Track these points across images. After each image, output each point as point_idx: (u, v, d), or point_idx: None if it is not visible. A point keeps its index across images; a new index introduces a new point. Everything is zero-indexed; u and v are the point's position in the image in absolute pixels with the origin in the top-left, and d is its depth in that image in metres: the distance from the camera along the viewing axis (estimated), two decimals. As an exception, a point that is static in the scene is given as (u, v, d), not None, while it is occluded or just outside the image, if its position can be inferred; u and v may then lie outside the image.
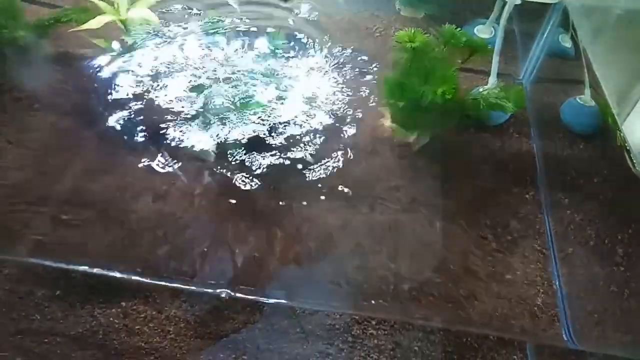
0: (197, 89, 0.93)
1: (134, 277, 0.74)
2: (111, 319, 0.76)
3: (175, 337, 0.75)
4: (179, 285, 0.73)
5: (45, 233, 0.77)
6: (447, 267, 0.81)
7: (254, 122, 0.92)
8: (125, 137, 0.91)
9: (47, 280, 0.78)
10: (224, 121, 0.91)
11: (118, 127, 0.93)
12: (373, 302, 0.76)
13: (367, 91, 1.03)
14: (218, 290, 0.72)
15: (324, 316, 0.79)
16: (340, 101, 1.01)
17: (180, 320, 0.76)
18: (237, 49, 1.00)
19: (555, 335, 0.71)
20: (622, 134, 0.80)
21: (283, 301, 0.74)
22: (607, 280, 0.76)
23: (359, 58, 1.11)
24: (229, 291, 0.72)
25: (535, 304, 0.74)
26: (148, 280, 0.74)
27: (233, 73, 0.93)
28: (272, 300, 0.73)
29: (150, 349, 0.74)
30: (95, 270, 0.75)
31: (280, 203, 0.85)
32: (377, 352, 0.77)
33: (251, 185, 0.87)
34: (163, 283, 0.73)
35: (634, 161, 0.78)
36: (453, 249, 0.83)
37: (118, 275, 0.75)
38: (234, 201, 0.85)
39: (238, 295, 0.72)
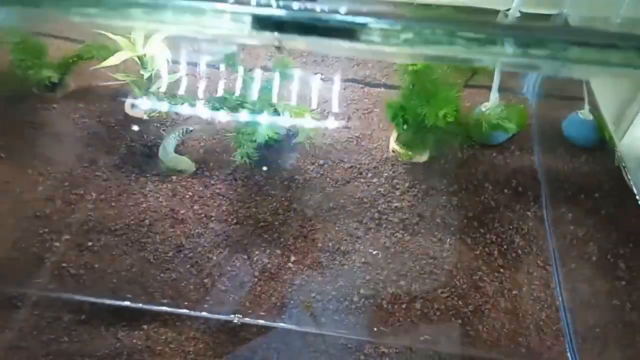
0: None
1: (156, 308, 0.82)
2: (134, 340, 0.81)
3: (195, 357, 0.79)
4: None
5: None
6: (454, 284, 0.84)
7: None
8: (149, 163, 0.99)
9: (73, 306, 0.84)
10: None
11: (142, 155, 1.01)
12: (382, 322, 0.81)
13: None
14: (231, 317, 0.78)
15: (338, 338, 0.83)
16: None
17: (200, 341, 0.81)
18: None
19: (559, 352, 0.73)
20: (619, 154, 0.82)
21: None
22: (609, 294, 0.78)
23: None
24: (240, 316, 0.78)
25: (540, 318, 0.77)
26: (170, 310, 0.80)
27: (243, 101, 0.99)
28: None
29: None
30: (118, 303, 0.82)
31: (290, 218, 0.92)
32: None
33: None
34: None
35: (630, 178, 0.80)
36: (459, 265, 0.87)
37: (141, 306, 0.82)
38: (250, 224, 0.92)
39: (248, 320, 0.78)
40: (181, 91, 1.04)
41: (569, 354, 0.74)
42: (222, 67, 1.02)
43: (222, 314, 0.82)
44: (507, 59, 0.49)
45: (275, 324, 0.81)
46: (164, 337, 0.81)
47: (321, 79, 1.13)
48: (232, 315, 0.80)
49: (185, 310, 0.82)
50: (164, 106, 1.01)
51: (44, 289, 0.85)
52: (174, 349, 0.80)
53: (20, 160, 1.02)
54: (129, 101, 1.08)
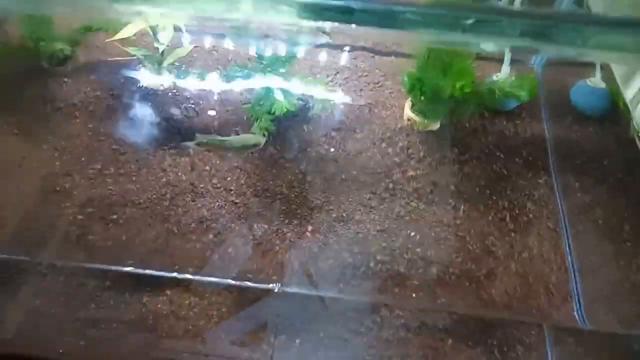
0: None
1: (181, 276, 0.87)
2: (159, 305, 0.86)
3: (218, 321, 0.85)
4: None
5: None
6: (467, 249, 0.90)
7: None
8: (166, 136, 1.02)
9: (97, 272, 0.89)
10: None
11: (157, 129, 1.04)
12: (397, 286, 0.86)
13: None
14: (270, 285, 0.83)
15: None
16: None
17: (222, 305, 0.86)
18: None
19: (567, 313, 0.79)
20: (634, 123, 0.86)
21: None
22: (615, 256, 0.83)
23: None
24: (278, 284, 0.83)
25: (550, 281, 0.82)
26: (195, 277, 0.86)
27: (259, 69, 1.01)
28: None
29: (196, 331, 0.84)
30: (140, 271, 0.87)
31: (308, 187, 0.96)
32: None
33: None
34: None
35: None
36: (472, 231, 0.92)
37: (163, 274, 0.87)
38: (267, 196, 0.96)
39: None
40: (195, 63, 1.07)
41: (576, 314, 0.79)
42: (236, 37, 1.05)
43: (242, 279, 0.87)
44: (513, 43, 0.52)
45: (294, 290, 0.86)
46: (187, 302, 0.87)
47: (332, 48, 1.16)
48: (272, 285, 0.85)
49: (209, 278, 0.87)
50: (177, 79, 1.04)
51: (70, 259, 0.89)
52: (197, 314, 0.86)
53: (35, 136, 1.05)
54: (142, 74, 1.11)
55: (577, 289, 0.81)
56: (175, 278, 0.87)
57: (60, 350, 0.84)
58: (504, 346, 0.83)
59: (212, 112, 1.07)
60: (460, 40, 0.46)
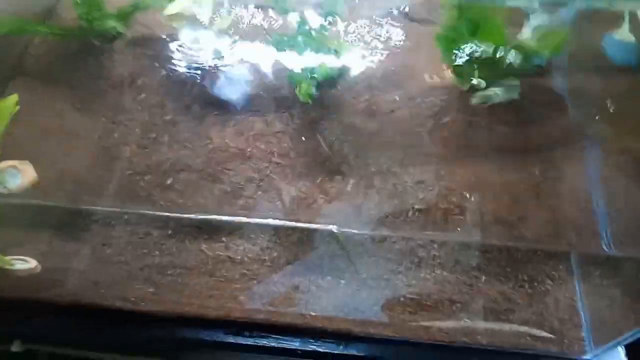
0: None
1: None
2: (217, 252, 1.00)
3: (270, 264, 0.98)
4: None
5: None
6: (500, 197, 1.00)
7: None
8: (212, 106, 1.15)
9: (160, 222, 1.03)
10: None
11: (204, 99, 1.17)
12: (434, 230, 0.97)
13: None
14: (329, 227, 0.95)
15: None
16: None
17: (273, 250, 0.99)
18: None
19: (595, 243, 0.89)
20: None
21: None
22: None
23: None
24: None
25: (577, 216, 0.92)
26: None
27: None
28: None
29: (251, 274, 0.97)
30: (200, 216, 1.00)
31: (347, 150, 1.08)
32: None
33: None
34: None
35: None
36: (502, 181, 1.02)
37: (218, 217, 1.00)
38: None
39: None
40: (236, 33, 1.20)
41: (602, 243, 0.89)
42: (275, 7, 1.16)
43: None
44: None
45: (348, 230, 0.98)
46: (242, 248, 1.00)
47: (366, 17, 1.26)
48: (330, 226, 0.97)
49: (260, 220, 1.00)
50: (224, 48, 1.17)
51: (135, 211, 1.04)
52: (251, 258, 0.99)
53: (94, 110, 1.19)
54: (186, 47, 1.24)
55: (604, 220, 0.91)
56: (230, 223, 1.00)
57: (132, 298, 0.99)
58: (534, 281, 0.94)
59: (255, 81, 1.19)
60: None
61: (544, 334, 0.93)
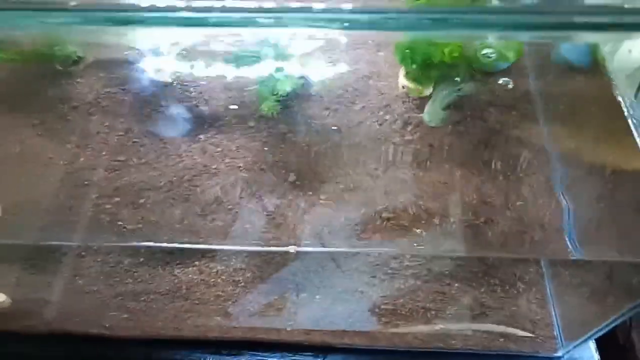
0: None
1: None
2: (190, 276, 0.99)
3: (245, 285, 0.97)
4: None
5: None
6: (466, 201, 1.01)
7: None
8: (177, 125, 1.13)
9: (131, 250, 1.02)
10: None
11: (168, 118, 1.15)
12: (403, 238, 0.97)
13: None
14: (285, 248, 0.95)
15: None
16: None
17: (247, 270, 0.99)
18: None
19: (561, 246, 0.91)
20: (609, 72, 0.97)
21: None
22: (602, 193, 0.94)
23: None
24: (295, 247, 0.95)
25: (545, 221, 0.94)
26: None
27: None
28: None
29: (226, 296, 0.97)
30: (172, 245, 0.99)
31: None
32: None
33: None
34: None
35: (619, 93, 0.95)
36: (469, 185, 1.03)
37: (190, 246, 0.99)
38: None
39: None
40: (198, 51, 1.18)
41: (569, 244, 0.90)
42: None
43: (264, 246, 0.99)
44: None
45: (311, 249, 0.98)
46: (215, 271, 1.00)
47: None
48: (289, 247, 0.97)
49: (231, 247, 1.00)
50: (183, 68, 1.16)
51: (105, 241, 1.02)
52: (225, 280, 0.99)
53: (57, 135, 1.17)
54: (148, 67, 1.22)
55: (570, 225, 0.92)
56: (201, 248, 0.99)
57: (106, 325, 0.98)
58: (506, 284, 0.95)
59: (218, 98, 1.18)
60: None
61: (519, 332, 0.95)
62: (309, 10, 0.49)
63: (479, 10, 0.54)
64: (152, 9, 0.48)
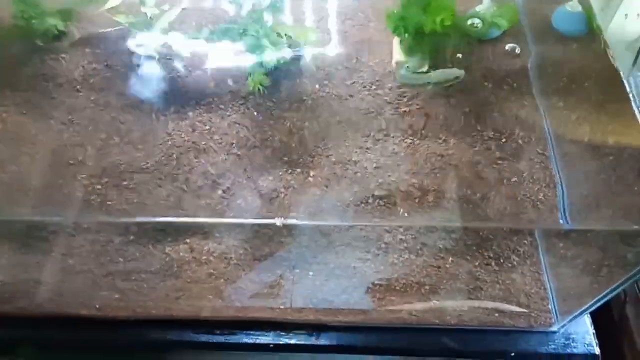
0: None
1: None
2: (181, 254, 0.97)
3: (237, 262, 0.96)
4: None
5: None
6: (461, 175, 0.99)
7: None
8: (165, 101, 1.10)
9: (120, 229, 0.99)
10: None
11: (155, 94, 1.12)
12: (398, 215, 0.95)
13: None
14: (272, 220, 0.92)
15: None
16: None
17: (239, 247, 0.97)
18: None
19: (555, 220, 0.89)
20: (605, 41, 0.94)
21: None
22: (598, 169, 0.92)
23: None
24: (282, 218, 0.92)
25: (538, 198, 0.92)
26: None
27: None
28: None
29: (218, 274, 0.95)
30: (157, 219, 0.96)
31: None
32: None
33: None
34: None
35: (616, 61, 0.93)
36: (464, 159, 1.00)
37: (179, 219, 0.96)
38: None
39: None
40: (185, 24, 1.14)
41: (561, 219, 0.89)
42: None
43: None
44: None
45: (298, 222, 0.95)
46: (206, 248, 0.97)
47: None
48: (276, 219, 0.94)
49: (222, 220, 0.97)
50: (168, 42, 1.12)
51: (93, 221, 0.99)
52: (217, 257, 0.97)
53: (41, 113, 1.13)
54: (133, 42, 1.18)
55: (563, 200, 0.90)
56: (192, 225, 0.97)
57: (97, 305, 0.96)
58: (500, 257, 0.93)
59: (206, 72, 1.14)
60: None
61: (513, 308, 0.94)
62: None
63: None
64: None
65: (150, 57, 1.16)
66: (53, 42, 1.20)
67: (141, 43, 1.15)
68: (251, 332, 0.96)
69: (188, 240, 0.97)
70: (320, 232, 0.97)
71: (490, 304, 0.95)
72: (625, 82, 0.97)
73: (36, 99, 1.16)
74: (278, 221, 0.93)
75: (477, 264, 0.93)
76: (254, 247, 0.97)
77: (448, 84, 1.03)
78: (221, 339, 0.96)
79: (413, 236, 0.96)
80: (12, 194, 1.01)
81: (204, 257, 0.96)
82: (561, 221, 0.87)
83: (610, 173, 0.94)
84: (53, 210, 0.99)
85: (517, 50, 1.10)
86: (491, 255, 0.94)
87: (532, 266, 0.94)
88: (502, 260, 0.93)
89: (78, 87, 1.17)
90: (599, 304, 0.89)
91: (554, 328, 0.95)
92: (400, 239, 0.96)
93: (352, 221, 0.96)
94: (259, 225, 0.98)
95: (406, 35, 1.02)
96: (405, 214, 0.93)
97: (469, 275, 0.93)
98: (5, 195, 1.00)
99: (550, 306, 0.94)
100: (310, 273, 0.95)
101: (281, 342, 0.95)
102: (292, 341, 0.95)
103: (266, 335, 0.96)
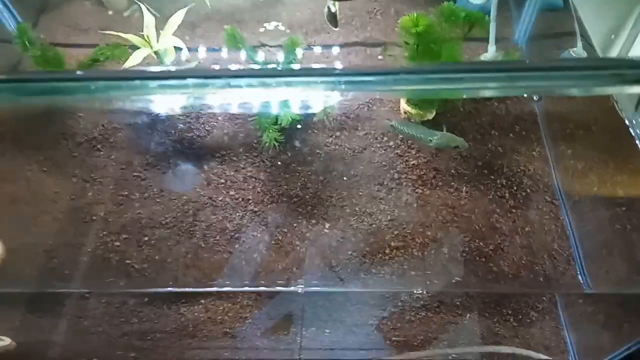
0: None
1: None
2: (196, 314, 0.94)
3: (252, 322, 0.92)
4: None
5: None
6: (474, 227, 0.96)
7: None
8: (182, 157, 1.09)
9: (135, 292, 0.96)
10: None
11: (173, 151, 1.11)
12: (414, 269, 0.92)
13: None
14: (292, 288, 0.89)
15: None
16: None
17: (253, 307, 0.93)
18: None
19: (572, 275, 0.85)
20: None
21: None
22: (611, 220, 0.89)
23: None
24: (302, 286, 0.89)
25: (553, 248, 0.88)
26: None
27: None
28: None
29: (233, 333, 0.92)
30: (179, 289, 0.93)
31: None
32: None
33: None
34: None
35: (621, 108, 0.90)
36: (476, 210, 0.98)
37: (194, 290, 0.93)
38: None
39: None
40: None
41: (579, 276, 0.85)
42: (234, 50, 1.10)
43: (270, 283, 0.93)
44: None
45: (318, 288, 0.93)
46: (221, 309, 0.95)
47: (323, 45, 1.21)
48: (297, 287, 0.91)
49: (241, 288, 0.94)
50: (186, 99, 1.11)
51: (111, 284, 0.96)
52: (232, 317, 0.93)
53: (64, 171, 1.12)
54: (152, 100, 1.17)
55: (578, 253, 0.87)
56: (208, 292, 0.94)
57: (114, 363, 0.92)
58: (518, 314, 0.89)
59: (222, 128, 1.13)
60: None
61: (532, 354, 0.89)
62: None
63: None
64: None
65: (168, 115, 1.16)
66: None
67: (159, 101, 1.15)
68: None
69: (202, 301, 0.95)
70: (335, 292, 0.94)
71: (507, 349, 0.90)
72: (630, 127, 0.94)
73: (57, 158, 1.14)
74: (300, 289, 0.91)
75: (495, 320, 0.89)
76: (270, 305, 0.94)
77: (453, 147, 1.00)
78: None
79: (429, 294, 0.92)
80: (30, 257, 0.99)
81: (219, 317, 0.93)
82: (579, 278, 0.83)
83: (624, 224, 0.91)
84: (70, 273, 0.97)
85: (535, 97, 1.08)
86: (510, 312, 0.90)
87: (551, 321, 0.90)
88: (520, 317, 0.89)
89: (98, 146, 1.15)
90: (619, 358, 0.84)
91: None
92: (417, 297, 0.92)
93: (368, 276, 0.93)
94: (274, 280, 0.95)
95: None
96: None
97: (487, 331, 0.89)
98: (23, 258, 0.98)
99: (569, 358, 0.90)
100: (327, 331, 0.91)
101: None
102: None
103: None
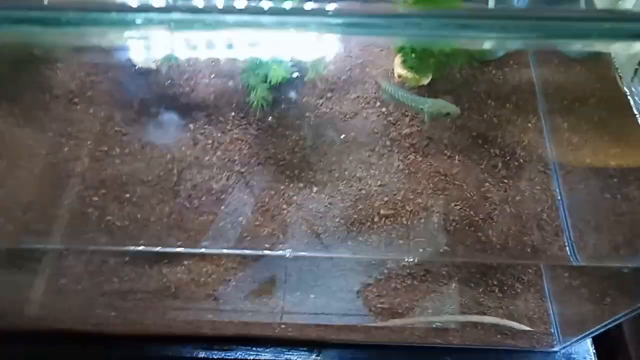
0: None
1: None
2: (178, 275, 0.91)
3: (236, 284, 0.90)
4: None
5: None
6: (465, 196, 0.93)
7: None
8: (165, 113, 1.03)
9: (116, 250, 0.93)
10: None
11: (156, 107, 1.05)
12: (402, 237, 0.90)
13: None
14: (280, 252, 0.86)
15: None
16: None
17: (237, 269, 0.91)
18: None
19: (559, 246, 0.84)
20: (613, 60, 0.88)
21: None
22: (602, 190, 0.87)
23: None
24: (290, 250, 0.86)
25: (542, 218, 0.86)
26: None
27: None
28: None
29: (217, 295, 0.89)
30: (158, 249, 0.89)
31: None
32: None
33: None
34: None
35: (623, 80, 0.87)
36: (468, 179, 0.95)
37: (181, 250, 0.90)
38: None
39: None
40: (185, 35, 1.07)
41: (567, 248, 0.84)
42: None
43: (256, 247, 0.90)
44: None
45: (306, 253, 0.90)
46: (205, 270, 0.91)
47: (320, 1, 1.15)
48: (285, 251, 0.88)
49: (223, 250, 0.91)
50: (169, 52, 1.04)
51: (91, 241, 0.93)
52: (215, 279, 0.91)
53: (40, 125, 1.06)
54: (134, 52, 1.10)
55: (567, 224, 0.85)
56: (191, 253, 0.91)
57: (93, 322, 0.89)
58: (503, 286, 0.88)
59: (208, 84, 1.07)
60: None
61: (514, 324, 0.89)
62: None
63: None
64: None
65: (149, 69, 1.09)
66: (51, 53, 1.12)
67: (140, 54, 1.08)
68: (251, 349, 0.91)
69: (185, 262, 0.92)
70: (318, 257, 0.92)
71: (491, 319, 0.90)
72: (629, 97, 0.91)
73: (33, 111, 1.08)
74: (287, 253, 0.88)
75: (480, 290, 0.88)
76: (253, 270, 0.91)
77: (444, 115, 0.96)
78: (221, 355, 0.90)
79: (417, 263, 0.90)
80: (7, 210, 0.94)
81: (202, 279, 0.90)
82: (570, 257, 0.82)
83: (613, 192, 0.89)
84: (47, 230, 0.93)
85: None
86: (495, 282, 0.89)
87: (536, 292, 0.89)
88: (506, 288, 0.88)
89: (76, 99, 1.09)
90: (601, 330, 0.84)
91: (556, 348, 0.91)
92: (404, 264, 0.90)
93: (355, 243, 0.90)
94: (260, 244, 0.92)
95: (413, 54, 0.96)
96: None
97: (472, 301, 0.88)
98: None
99: (552, 329, 0.90)
100: (312, 295, 0.89)
101: (281, 359, 0.90)
102: (293, 358, 0.90)
103: (266, 352, 0.90)
